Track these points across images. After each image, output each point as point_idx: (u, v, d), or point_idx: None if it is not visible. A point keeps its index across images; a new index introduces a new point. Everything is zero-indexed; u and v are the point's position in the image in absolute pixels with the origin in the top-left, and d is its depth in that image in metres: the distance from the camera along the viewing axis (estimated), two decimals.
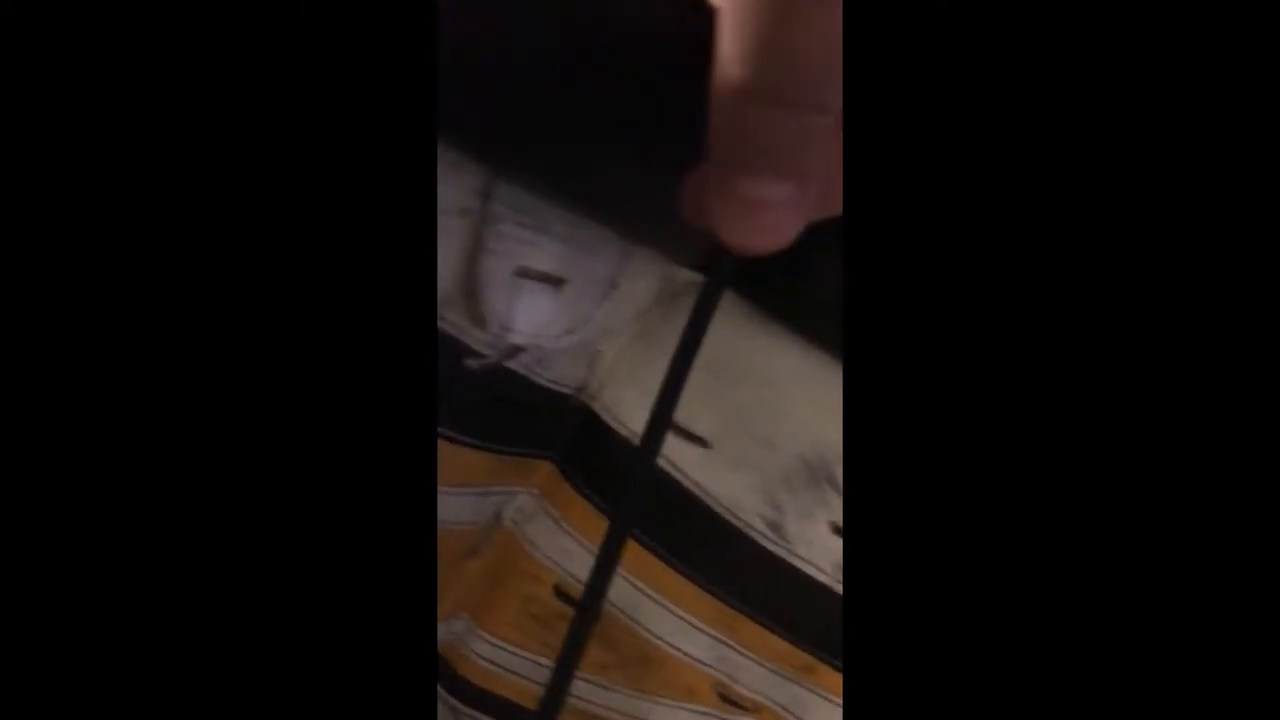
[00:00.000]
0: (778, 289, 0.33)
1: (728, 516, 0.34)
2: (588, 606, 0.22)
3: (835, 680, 0.37)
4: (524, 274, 0.29)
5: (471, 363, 0.30)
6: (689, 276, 0.32)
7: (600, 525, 0.34)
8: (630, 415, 0.34)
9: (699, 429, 0.34)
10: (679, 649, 0.36)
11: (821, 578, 0.35)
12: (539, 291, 0.29)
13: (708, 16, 0.18)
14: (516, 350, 0.31)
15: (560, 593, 0.36)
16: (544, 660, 0.37)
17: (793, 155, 0.19)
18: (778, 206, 0.19)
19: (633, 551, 0.34)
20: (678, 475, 0.34)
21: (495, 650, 0.36)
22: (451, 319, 0.29)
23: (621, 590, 0.35)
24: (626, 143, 0.27)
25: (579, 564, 0.36)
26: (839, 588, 0.35)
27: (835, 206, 0.20)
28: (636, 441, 0.33)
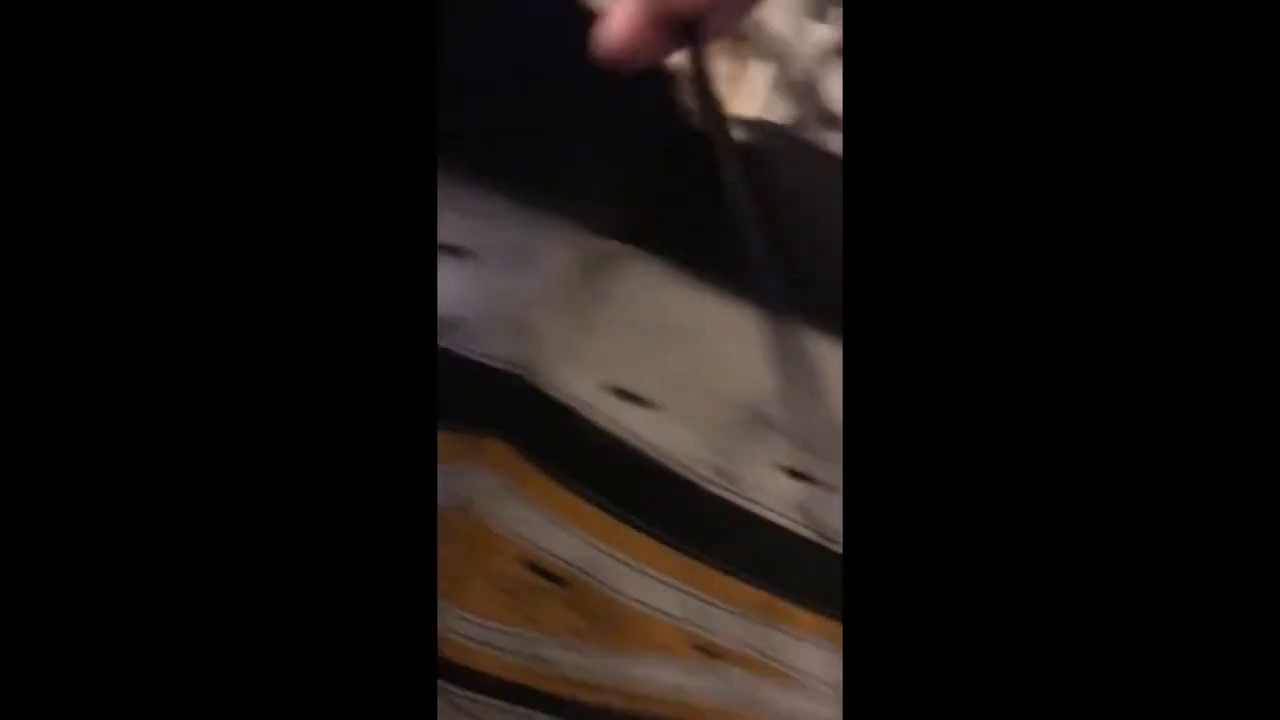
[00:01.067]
0: (698, 248, 0.34)
1: (679, 470, 0.36)
2: None
3: (807, 619, 0.38)
4: None
5: None
6: (607, 245, 0.33)
7: (562, 497, 0.35)
8: (573, 386, 0.35)
9: (642, 391, 0.35)
10: (649, 605, 0.37)
11: (776, 519, 0.36)
12: (446, 264, 0.30)
13: None
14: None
15: (530, 565, 0.37)
16: (524, 632, 0.38)
17: None
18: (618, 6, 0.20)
19: (588, 514, 0.35)
20: (627, 437, 0.35)
21: (473, 627, 0.37)
22: None
23: (585, 554, 0.36)
24: (528, 111, 0.29)
25: (545, 536, 0.37)
26: (795, 528, 0.37)
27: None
28: (583, 411, 0.35)
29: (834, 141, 0.48)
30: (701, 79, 0.26)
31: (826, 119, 0.48)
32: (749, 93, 0.47)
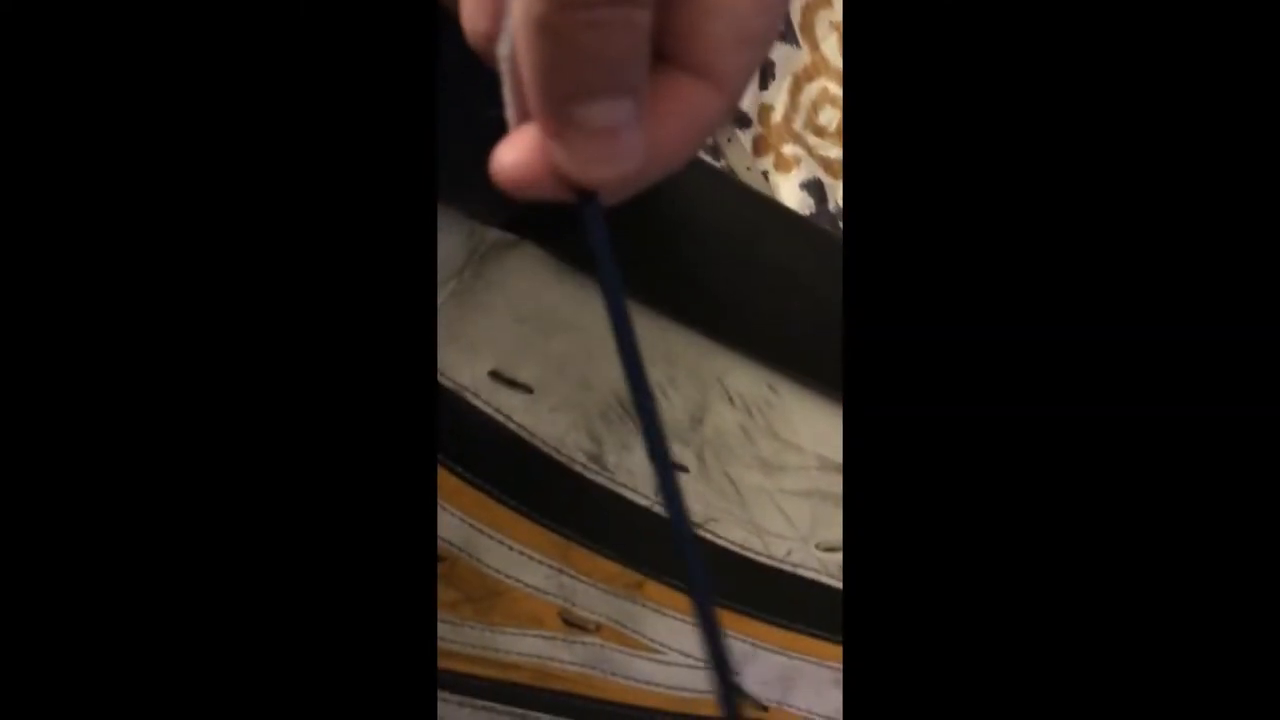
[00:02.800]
0: (580, 240, 0.36)
1: (553, 454, 0.38)
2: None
3: (664, 593, 0.41)
4: None
5: None
6: (497, 236, 0.35)
7: (443, 478, 0.37)
8: (459, 372, 0.37)
9: (521, 377, 0.37)
10: (521, 581, 0.39)
11: (642, 501, 0.39)
12: None
13: None
14: None
15: None
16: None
17: (623, 65, 0.17)
18: (624, 127, 0.18)
19: (468, 495, 0.37)
20: (504, 421, 0.37)
21: None
22: None
23: (461, 532, 0.38)
24: None
25: (443, 527, 0.38)
26: (659, 509, 0.40)
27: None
28: (465, 395, 0.36)
29: (739, 137, 0.51)
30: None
31: (737, 116, 0.51)
32: None
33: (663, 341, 0.39)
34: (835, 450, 0.41)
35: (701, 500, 0.40)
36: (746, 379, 0.39)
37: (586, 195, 0.20)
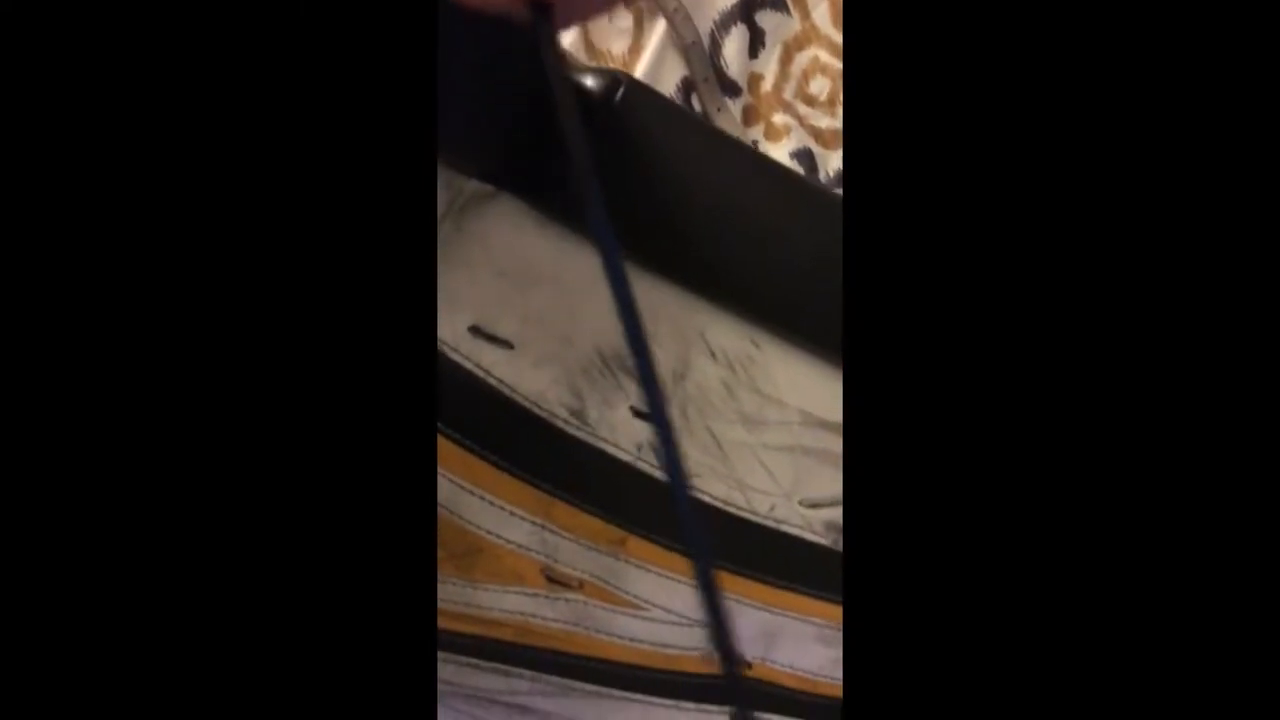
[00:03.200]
0: (561, 195, 0.36)
1: (534, 409, 0.38)
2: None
3: (647, 549, 0.41)
4: None
5: None
6: (476, 187, 0.34)
7: (439, 443, 0.37)
8: (439, 327, 0.36)
9: (501, 332, 0.37)
10: (503, 537, 0.39)
11: (624, 457, 0.39)
12: None
13: None
14: None
15: None
16: None
17: None
18: None
19: (450, 451, 0.37)
20: (485, 376, 0.37)
21: None
22: None
23: (444, 489, 0.38)
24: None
25: None
26: (642, 465, 0.39)
27: None
28: (446, 351, 0.36)
29: (729, 106, 0.50)
30: (544, 36, 0.27)
31: (727, 84, 0.50)
32: (638, 48, 0.48)
33: (645, 296, 0.38)
34: (818, 406, 0.41)
35: (683, 456, 0.40)
36: (729, 333, 0.39)
37: (540, 7, 0.19)
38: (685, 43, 0.50)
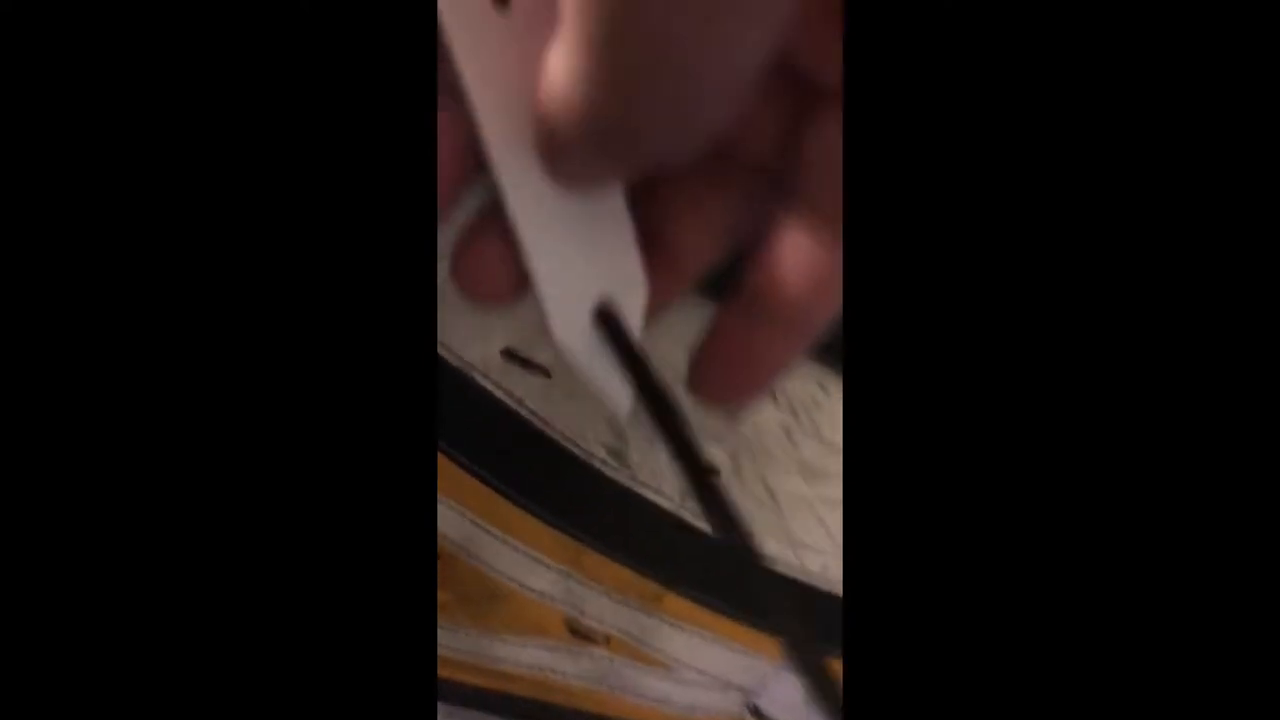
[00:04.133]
0: None
1: (569, 447, 0.34)
2: None
3: (684, 608, 0.37)
4: None
5: None
6: None
7: (458, 477, 0.33)
8: (466, 349, 0.33)
9: (538, 358, 0.33)
10: (525, 585, 0.35)
11: (666, 504, 0.35)
12: None
13: None
14: None
15: None
16: None
17: None
18: None
19: (471, 487, 0.33)
20: (516, 406, 0.33)
21: None
22: None
23: (462, 528, 0.34)
24: None
25: (441, 522, 0.35)
26: (684, 514, 0.35)
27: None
28: (479, 379, 0.32)
29: None
30: None
31: None
32: None
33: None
34: None
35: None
36: (794, 375, 0.35)
37: None
38: None
